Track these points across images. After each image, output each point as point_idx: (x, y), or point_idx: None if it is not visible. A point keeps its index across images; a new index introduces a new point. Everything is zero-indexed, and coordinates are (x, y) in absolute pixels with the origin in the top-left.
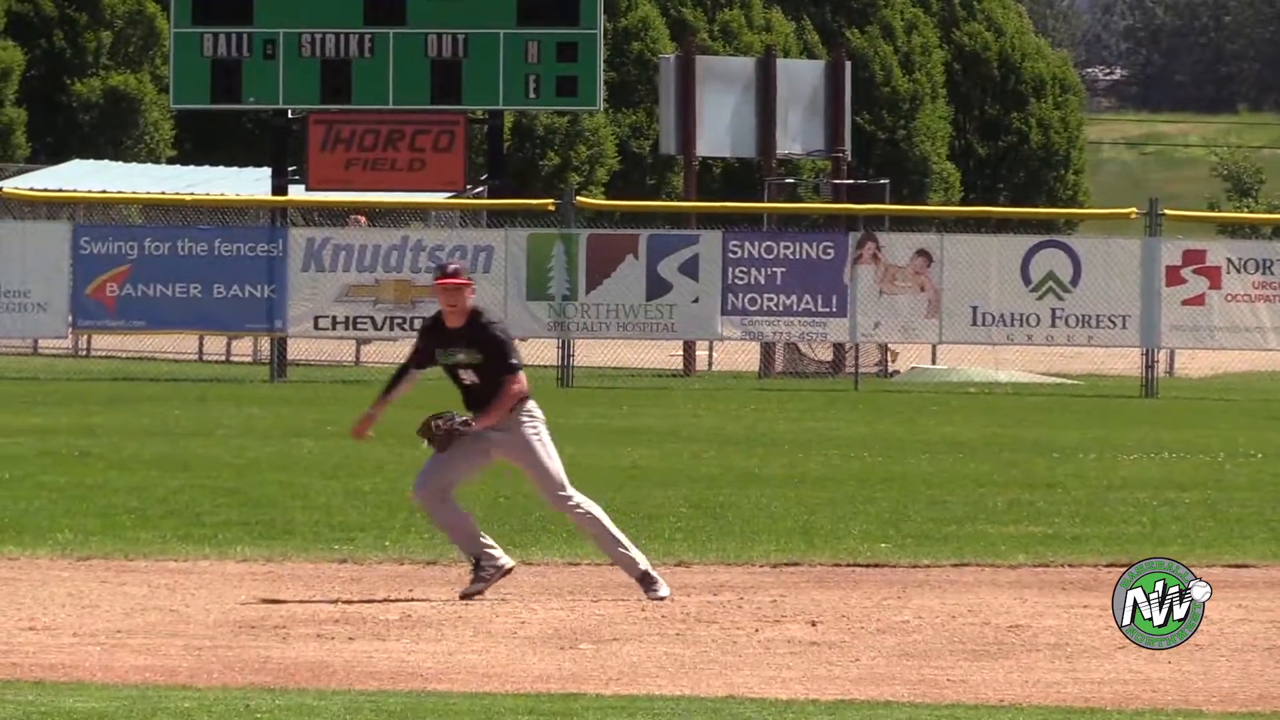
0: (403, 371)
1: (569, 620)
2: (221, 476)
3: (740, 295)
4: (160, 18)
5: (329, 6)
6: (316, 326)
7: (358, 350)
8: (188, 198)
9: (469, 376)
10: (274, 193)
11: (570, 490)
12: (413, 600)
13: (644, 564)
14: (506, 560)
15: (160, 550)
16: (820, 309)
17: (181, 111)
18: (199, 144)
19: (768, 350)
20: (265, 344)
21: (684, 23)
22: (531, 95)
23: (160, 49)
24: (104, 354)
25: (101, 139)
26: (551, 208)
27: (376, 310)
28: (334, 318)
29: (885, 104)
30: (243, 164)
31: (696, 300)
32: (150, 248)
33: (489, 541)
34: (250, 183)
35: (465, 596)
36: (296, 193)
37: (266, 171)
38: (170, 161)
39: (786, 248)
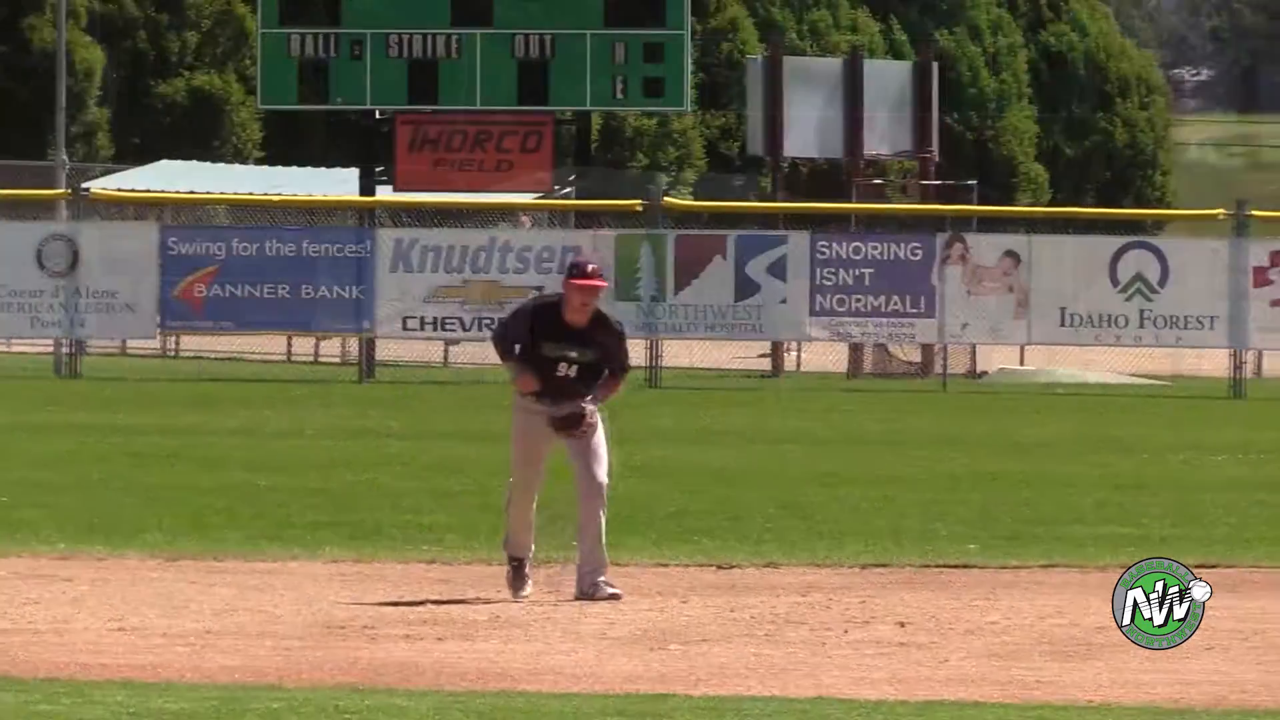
0: (509, 340)
1: (658, 621)
2: (310, 477)
3: (828, 296)
4: (249, 18)
5: (416, 7)
6: (405, 327)
7: (446, 351)
8: (275, 198)
9: (567, 370)
10: (362, 193)
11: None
12: (501, 601)
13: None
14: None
15: (249, 551)
16: (909, 310)
17: (269, 112)
18: (286, 145)
19: (856, 351)
20: (353, 344)
21: (772, 23)
22: (619, 96)
23: (250, 49)
24: (192, 354)
25: (187, 140)
26: (639, 209)
27: (465, 311)
28: (422, 318)
29: (972, 104)
30: (329, 165)
31: (784, 301)
32: (238, 248)
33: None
34: (337, 183)
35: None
36: (384, 193)
37: (353, 172)
38: (258, 163)
39: (874, 248)
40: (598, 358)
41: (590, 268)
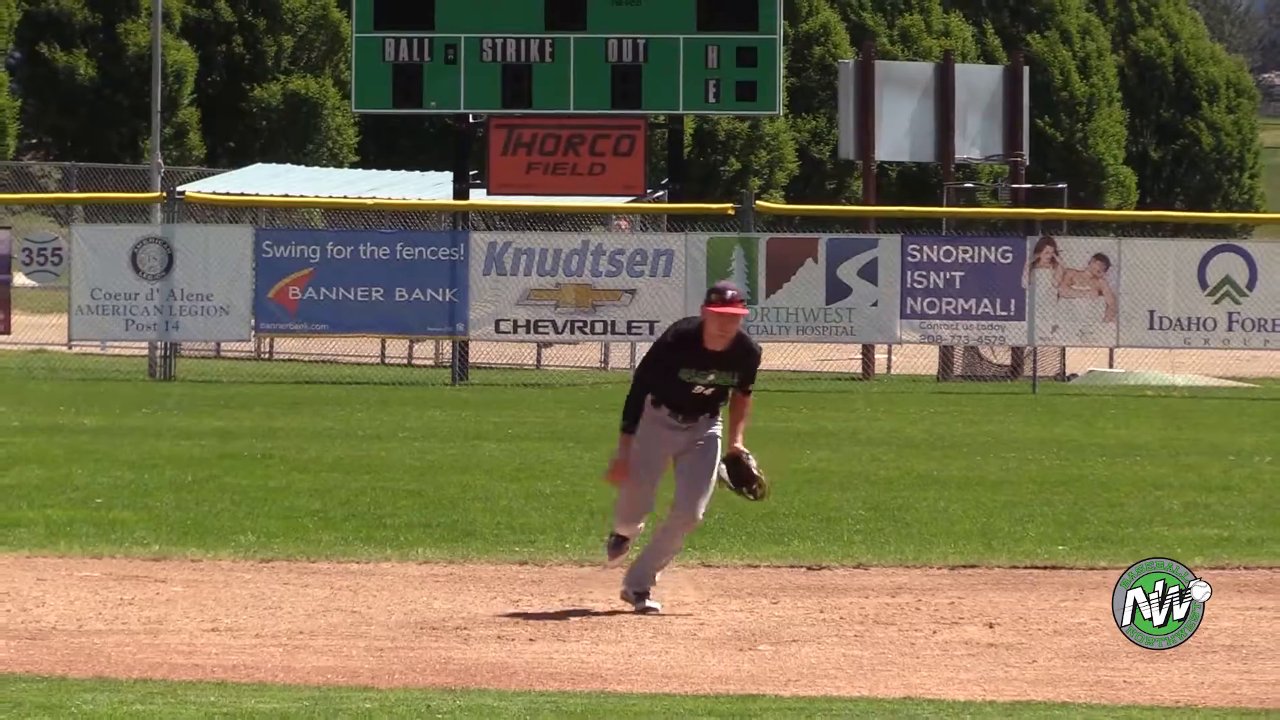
0: (642, 403)
1: (748, 622)
2: (403, 479)
3: (919, 299)
4: (345, 23)
5: (510, 11)
6: (498, 330)
7: (539, 353)
8: (369, 201)
9: (704, 390)
10: (455, 197)
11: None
12: (593, 602)
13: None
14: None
15: (342, 552)
16: (998, 313)
17: (363, 116)
18: (380, 148)
19: (946, 354)
20: (447, 347)
21: (864, 28)
22: (711, 100)
23: (345, 54)
24: (286, 357)
25: (283, 143)
26: (731, 212)
27: (557, 314)
28: (515, 321)
29: (1063, 107)
30: (423, 168)
31: (875, 304)
32: (333, 251)
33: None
34: (431, 187)
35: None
36: (478, 196)
37: (447, 175)
38: (353, 166)
39: (965, 251)
40: (739, 379)
41: (730, 294)
